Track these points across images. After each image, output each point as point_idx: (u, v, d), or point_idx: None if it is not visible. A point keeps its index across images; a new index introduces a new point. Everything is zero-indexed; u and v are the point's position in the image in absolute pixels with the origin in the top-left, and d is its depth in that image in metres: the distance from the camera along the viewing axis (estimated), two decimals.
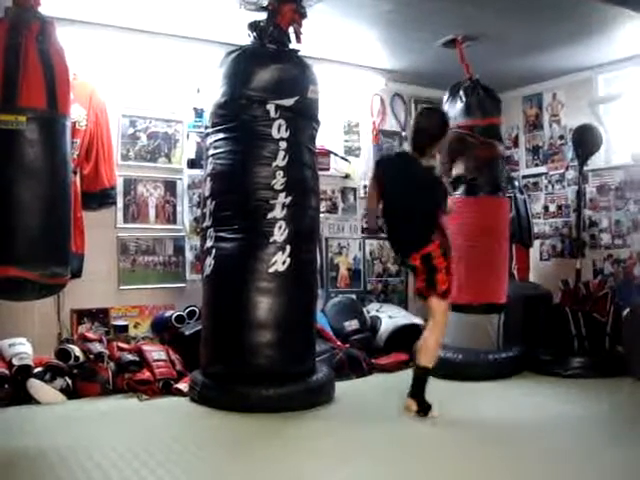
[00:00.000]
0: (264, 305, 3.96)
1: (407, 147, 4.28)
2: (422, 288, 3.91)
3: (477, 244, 4.88)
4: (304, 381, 4.03)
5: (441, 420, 3.74)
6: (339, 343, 5.08)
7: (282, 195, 3.99)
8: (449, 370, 4.80)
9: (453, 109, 5.08)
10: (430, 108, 4.81)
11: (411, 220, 3.90)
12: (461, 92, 5.06)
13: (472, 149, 4.96)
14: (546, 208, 6.42)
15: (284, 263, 3.98)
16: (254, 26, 4.14)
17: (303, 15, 4.20)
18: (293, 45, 4.21)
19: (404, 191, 3.91)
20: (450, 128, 4.13)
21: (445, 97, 5.21)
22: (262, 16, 4.18)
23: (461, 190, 5.03)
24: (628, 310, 5.05)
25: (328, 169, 5.96)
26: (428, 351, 3.84)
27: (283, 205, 3.99)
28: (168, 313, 4.97)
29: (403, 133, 6.44)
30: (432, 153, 4.05)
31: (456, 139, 5.01)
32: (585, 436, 3.49)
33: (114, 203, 4.97)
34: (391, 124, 6.48)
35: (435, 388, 4.59)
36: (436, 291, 3.82)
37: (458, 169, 5.00)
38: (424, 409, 3.77)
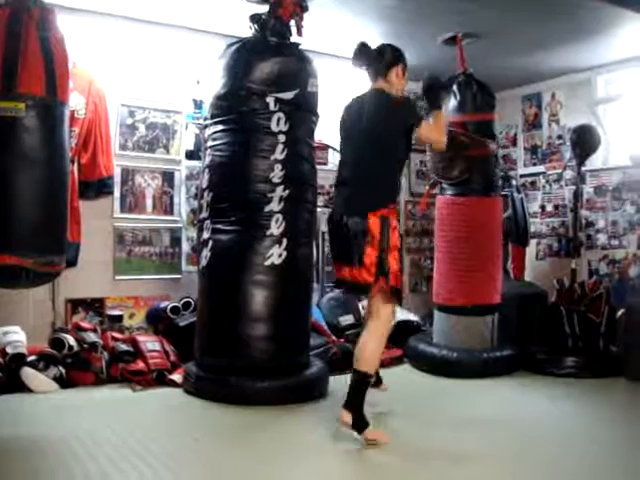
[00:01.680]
0: (259, 298, 3.96)
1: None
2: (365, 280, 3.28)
3: (470, 245, 4.88)
4: (298, 374, 4.03)
5: (431, 416, 3.75)
6: (334, 338, 5.08)
7: (280, 188, 3.99)
8: (443, 367, 4.82)
9: (446, 105, 5.03)
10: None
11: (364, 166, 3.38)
12: (454, 87, 5.01)
13: (463, 148, 4.93)
14: (543, 207, 6.43)
15: (280, 256, 3.98)
16: (255, 18, 4.13)
17: (305, 8, 4.19)
18: (294, 38, 4.20)
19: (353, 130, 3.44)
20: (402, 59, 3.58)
21: None
22: (264, 8, 4.17)
23: (454, 190, 5.03)
24: (623, 310, 5.07)
25: (326, 163, 5.95)
26: (371, 357, 3.31)
27: (281, 198, 3.99)
28: (163, 304, 4.96)
29: None
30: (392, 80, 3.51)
31: (448, 137, 4.99)
32: (576, 435, 3.50)
33: (111, 193, 4.97)
34: None
35: (428, 385, 4.64)
36: (386, 279, 3.26)
37: (454, 169, 4.98)
38: (359, 424, 3.19)
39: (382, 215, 3.26)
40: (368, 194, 3.34)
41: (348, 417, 3.19)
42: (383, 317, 3.34)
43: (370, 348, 3.30)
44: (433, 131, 3.53)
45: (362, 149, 3.40)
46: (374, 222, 3.24)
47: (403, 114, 3.42)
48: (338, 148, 3.72)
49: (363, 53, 3.52)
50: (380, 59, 3.51)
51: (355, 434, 3.18)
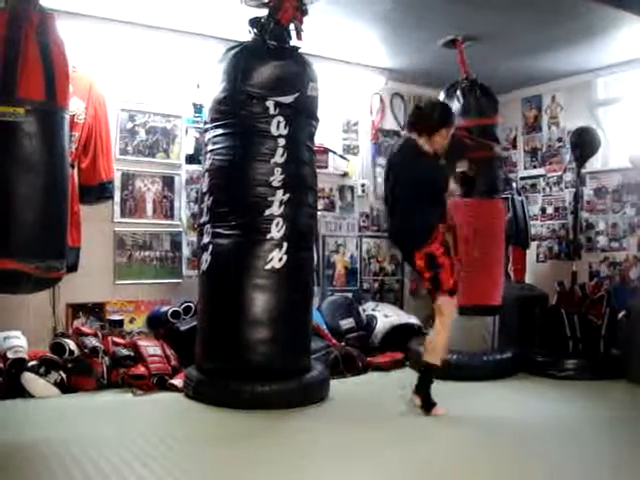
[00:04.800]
0: (260, 302, 3.96)
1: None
2: (429, 288, 3.92)
3: (473, 246, 4.87)
4: (299, 378, 4.03)
5: (433, 419, 3.75)
6: (334, 341, 5.08)
7: (280, 192, 3.99)
8: (444, 370, 4.81)
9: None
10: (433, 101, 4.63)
11: (409, 211, 3.88)
12: (458, 92, 5.03)
13: (468, 151, 4.94)
14: (543, 210, 6.43)
15: (280, 260, 3.97)
16: (255, 22, 4.14)
17: (304, 12, 4.19)
18: (294, 42, 4.21)
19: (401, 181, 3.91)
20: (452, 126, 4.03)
21: (441, 97, 5.17)
22: (263, 12, 4.17)
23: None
24: (623, 313, 5.06)
25: (326, 167, 5.96)
26: (435, 349, 3.83)
27: (281, 202, 3.99)
28: (164, 308, 4.96)
29: (401, 132, 6.44)
30: (432, 142, 3.90)
31: (452, 140, 5.00)
32: (577, 437, 3.49)
33: (111, 197, 4.96)
34: (390, 123, 6.48)
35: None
36: (442, 290, 3.80)
37: (460, 170, 4.98)
38: (427, 405, 3.78)
39: (426, 252, 3.78)
40: (407, 237, 3.95)
41: (417, 400, 3.79)
42: (446, 311, 3.83)
43: (440, 338, 3.83)
44: None
45: (402, 197, 3.90)
46: (419, 258, 3.82)
47: (441, 180, 3.93)
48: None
49: (418, 116, 3.97)
50: (430, 118, 3.90)
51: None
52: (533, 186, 6.53)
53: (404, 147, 4.03)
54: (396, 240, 4.27)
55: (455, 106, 5.03)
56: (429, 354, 3.84)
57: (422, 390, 3.81)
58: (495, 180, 5.09)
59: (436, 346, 3.83)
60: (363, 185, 6.25)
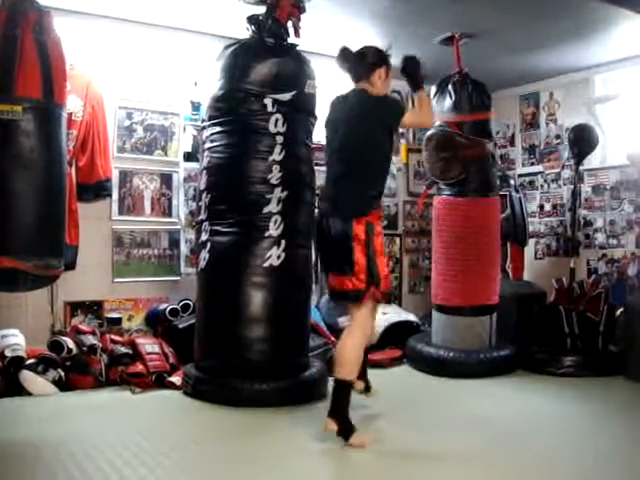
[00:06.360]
0: (258, 300, 3.96)
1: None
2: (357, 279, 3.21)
3: (467, 245, 4.88)
4: (297, 376, 4.03)
5: (430, 416, 3.75)
6: (333, 339, 5.07)
7: (278, 189, 3.99)
8: (442, 368, 4.82)
9: (441, 105, 5.05)
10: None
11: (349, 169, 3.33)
12: (449, 87, 5.01)
13: (459, 149, 4.93)
14: (541, 207, 6.43)
15: (279, 258, 3.97)
16: (253, 20, 4.13)
17: (302, 9, 4.19)
18: (291, 39, 4.20)
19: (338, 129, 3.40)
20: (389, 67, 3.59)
21: (432, 92, 5.12)
22: (261, 10, 4.17)
23: (451, 190, 5.02)
24: (621, 310, 5.07)
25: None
26: (347, 361, 3.22)
27: (279, 200, 3.99)
28: (162, 306, 4.96)
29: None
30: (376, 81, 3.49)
31: (444, 138, 5.00)
32: (575, 433, 3.50)
33: (109, 195, 4.96)
34: None
35: (427, 385, 4.65)
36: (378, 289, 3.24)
37: (451, 169, 4.97)
38: (346, 430, 3.15)
39: (367, 221, 3.23)
40: (354, 196, 3.29)
41: (332, 425, 3.16)
42: (359, 319, 3.27)
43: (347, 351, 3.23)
44: (417, 115, 3.53)
45: (348, 148, 3.36)
46: (359, 228, 3.20)
47: (385, 113, 3.41)
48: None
49: (345, 56, 3.49)
50: (362, 61, 3.48)
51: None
52: (531, 183, 6.53)
53: (352, 95, 3.50)
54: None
55: (447, 101, 5.02)
56: (342, 368, 3.20)
57: (338, 412, 3.18)
58: (488, 178, 5.07)
59: (350, 357, 3.21)
60: None
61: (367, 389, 3.85)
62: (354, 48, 3.51)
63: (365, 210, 3.25)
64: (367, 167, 3.34)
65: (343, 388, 3.18)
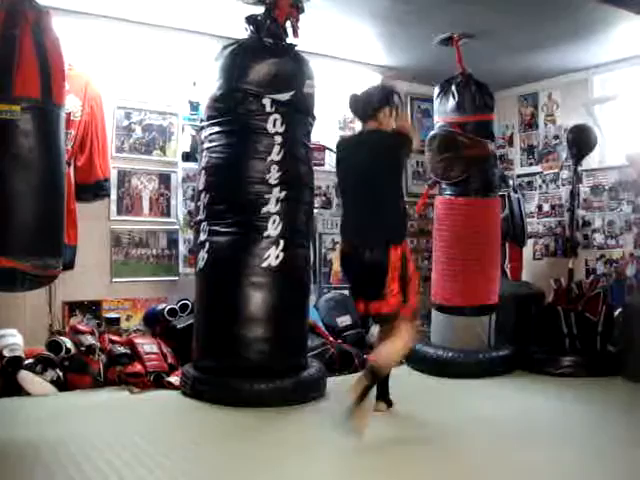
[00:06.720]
0: (257, 300, 3.96)
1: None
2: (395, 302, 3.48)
3: (468, 245, 4.88)
4: (296, 376, 4.02)
5: (429, 416, 3.75)
6: (331, 339, 5.08)
7: (276, 190, 3.99)
8: (441, 368, 4.82)
9: (444, 105, 5.06)
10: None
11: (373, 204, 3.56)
12: (453, 88, 5.02)
13: (462, 149, 4.94)
14: (540, 207, 6.43)
15: (277, 258, 3.97)
16: (251, 20, 4.13)
17: (300, 9, 4.19)
18: (290, 40, 4.20)
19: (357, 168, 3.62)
20: (395, 93, 3.75)
21: (435, 93, 5.17)
22: (259, 10, 4.17)
23: (453, 190, 5.03)
24: (620, 310, 5.07)
25: (323, 164, 5.95)
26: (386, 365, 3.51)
27: (277, 200, 3.99)
28: (160, 306, 4.96)
29: None
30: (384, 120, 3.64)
31: (446, 138, 5.00)
32: (573, 433, 3.50)
33: (108, 195, 4.96)
34: None
35: (426, 385, 4.65)
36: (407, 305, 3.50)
37: (453, 169, 4.98)
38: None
39: (402, 249, 3.48)
40: (390, 227, 3.54)
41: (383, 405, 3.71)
42: (399, 333, 3.48)
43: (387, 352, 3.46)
44: (415, 137, 3.83)
45: (377, 185, 3.55)
46: (395, 255, 3.44)
47: (403, 146, 3.64)
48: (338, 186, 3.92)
49: (353, 101, 3.72)
50: (368, 104, 3.66)
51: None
52: (529, 183, 6.54)
53: (367, 134, 3.71)
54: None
55: (450, 102, 5.03)
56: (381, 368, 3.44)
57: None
58: (489, 178, 5.07)
59: (388, 357, 3.47)
60: None
61: (389, 405, 3.86)
62: (359, 91, 3.75)
63: (400, 239, 3.52)
64: (397, 199, 3.64)
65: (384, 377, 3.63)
